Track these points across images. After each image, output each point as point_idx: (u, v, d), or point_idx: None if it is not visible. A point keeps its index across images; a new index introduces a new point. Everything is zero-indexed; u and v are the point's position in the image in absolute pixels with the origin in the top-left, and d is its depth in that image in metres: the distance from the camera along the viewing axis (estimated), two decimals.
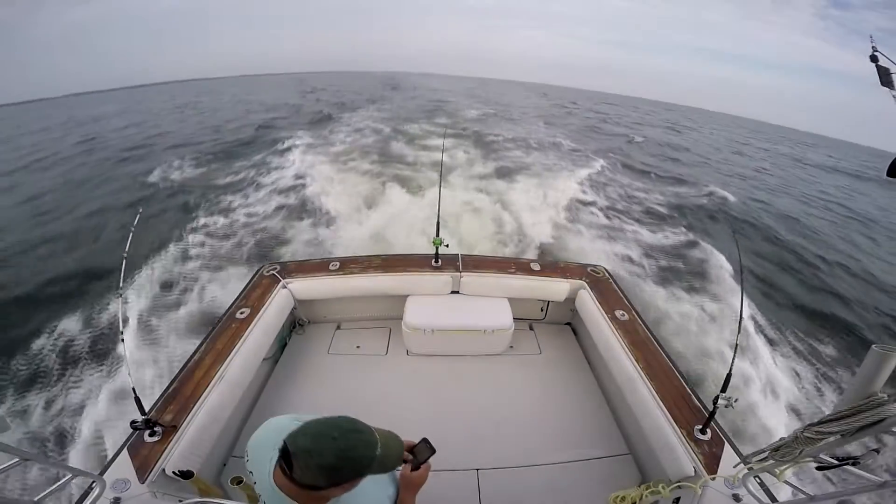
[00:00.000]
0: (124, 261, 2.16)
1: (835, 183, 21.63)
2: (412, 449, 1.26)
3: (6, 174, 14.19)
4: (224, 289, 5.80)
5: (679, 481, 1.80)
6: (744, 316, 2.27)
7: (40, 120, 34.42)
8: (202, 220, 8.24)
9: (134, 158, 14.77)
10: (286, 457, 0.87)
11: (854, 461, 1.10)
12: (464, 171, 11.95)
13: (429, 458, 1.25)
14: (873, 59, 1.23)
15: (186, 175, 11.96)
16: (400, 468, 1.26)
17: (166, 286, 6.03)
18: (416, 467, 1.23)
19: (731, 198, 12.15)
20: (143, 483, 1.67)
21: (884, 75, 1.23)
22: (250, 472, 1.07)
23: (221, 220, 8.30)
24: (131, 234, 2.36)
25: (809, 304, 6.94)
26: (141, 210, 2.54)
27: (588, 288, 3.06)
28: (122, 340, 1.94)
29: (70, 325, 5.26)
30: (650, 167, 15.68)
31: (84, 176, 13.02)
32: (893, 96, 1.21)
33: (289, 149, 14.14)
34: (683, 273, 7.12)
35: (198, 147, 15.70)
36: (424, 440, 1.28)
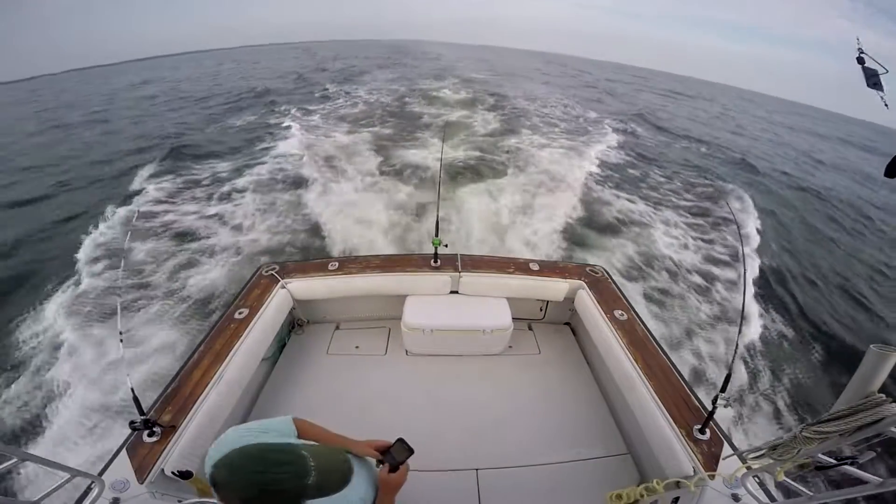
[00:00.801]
0: (123, 260, 2.17)
1: (808, 140, 26.66)
2: (388, 449, 1.24)
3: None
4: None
5: (678, 481, 1.81)
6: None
7: (63, 93, 35.71)
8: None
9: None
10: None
11: (852, 461, 1.10)
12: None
13: (407, 458, 1.22)
14: (860, 60, 1.23)
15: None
16: (378, 468, 1.24)
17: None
18: (394, 468, 1.21)
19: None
20: (142, 483, 1.67)
21: (870, 77, 1.23)
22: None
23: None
24: (129, 233, 2.37)
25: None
26: (139, 210, 2.56)
27: (587, 288, 3.06)
28: (121, 340, 1.94)
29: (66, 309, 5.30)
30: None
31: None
32: (881, 97, 1.22)
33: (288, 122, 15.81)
34: None
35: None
36: (400, 440, 1.25)
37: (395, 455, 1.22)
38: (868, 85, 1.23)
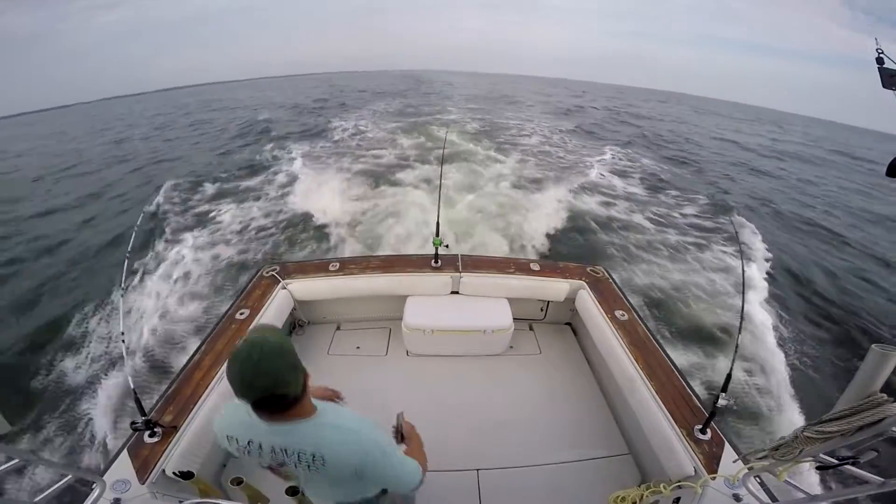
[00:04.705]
0: (126, 260, 2.15)
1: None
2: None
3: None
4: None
5: (679, 481, 1.80)
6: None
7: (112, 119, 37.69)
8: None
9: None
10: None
11: (854, 461, 1.10)
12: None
13: (401, 420, 1.55)
14: (879, 61, 1.23)
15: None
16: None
17: None
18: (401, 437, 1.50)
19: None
20: (143, 484, 1.67)
21: (887, 78, 1.22)
22: (229, 439, 1.14)
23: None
24: (134, 234, 2.36)
25: None
26: (145, 209, 2.53)
27: (588, 288, 3.06)
28: (123, 342, 1.93)
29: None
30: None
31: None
32: None
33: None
34: None
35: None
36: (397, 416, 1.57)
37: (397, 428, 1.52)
38: (884, 85, 1.23)
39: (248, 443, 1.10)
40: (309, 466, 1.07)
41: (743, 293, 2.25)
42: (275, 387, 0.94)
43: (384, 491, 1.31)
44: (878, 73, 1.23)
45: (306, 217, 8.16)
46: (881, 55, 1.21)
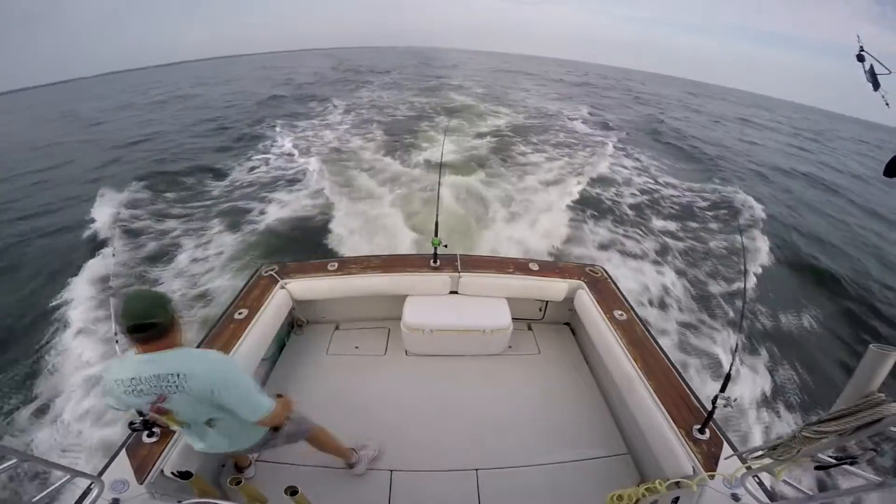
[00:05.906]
0: (113, 259, 2.13)
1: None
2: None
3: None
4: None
5: (678, 481, 1.80)
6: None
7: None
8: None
9: None
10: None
11: (852, 461, 1.10)
12: None
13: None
14: (860, 58, 1.24)
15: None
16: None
17: None
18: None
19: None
20: (141, 484, 1.67)
21: (870, 74, 1.24)
22: (117, 382, 1.35)
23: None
24: (116, 232, 2.33)
25: None
26: (120, 212, 2.52)
27: (586, 288, 3.06)
28: (117, 342, 1.90)
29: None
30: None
31: None
32: (882, 95, 1.23)
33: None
34: None
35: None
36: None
37: None
38: (869, 82, 1.24)
39: (132, 380, 1.34)
40: (178, 386, 1.33)
41: (744, 293, 2.24)
42: (144, 315, 1.29)
43: (275, 429, 1.66)
44: (862, 70, 1.24)
45: None
46: (862, 52, 1.22)
